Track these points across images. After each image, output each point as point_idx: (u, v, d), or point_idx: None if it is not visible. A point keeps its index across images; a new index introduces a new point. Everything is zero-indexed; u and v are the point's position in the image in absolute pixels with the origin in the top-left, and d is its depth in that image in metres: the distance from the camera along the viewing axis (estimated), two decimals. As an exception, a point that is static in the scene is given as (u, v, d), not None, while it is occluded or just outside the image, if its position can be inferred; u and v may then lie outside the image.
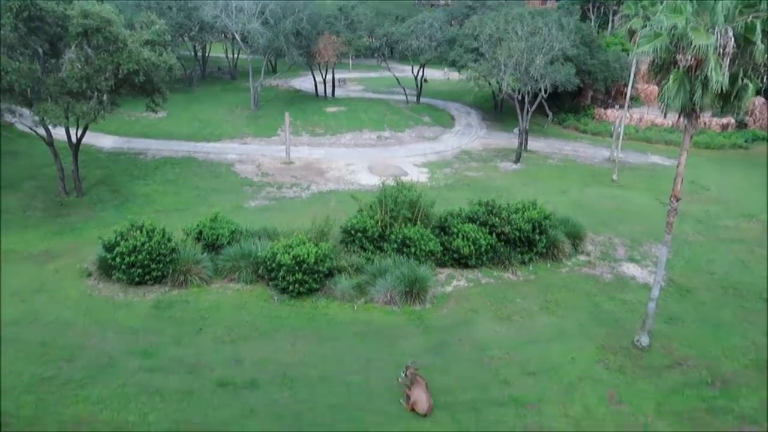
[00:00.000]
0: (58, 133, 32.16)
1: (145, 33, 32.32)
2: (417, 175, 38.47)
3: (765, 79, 24.10)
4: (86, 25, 27.93)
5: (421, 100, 61.40)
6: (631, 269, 26.49)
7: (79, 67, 28.70)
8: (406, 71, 64.33)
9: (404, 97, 61.11)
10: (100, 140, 42.63)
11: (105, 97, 30.69)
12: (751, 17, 20.39)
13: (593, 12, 79.26)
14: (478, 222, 25.46)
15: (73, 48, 28.62)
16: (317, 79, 62.23)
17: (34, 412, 16.09)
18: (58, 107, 28.79)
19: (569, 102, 55.78)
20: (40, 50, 29.32)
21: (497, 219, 25.29)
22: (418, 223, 25.01)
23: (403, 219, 24.72)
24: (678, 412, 17.28)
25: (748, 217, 33.66)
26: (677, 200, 20.44)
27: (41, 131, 31.10)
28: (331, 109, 56.43)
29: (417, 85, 61.36)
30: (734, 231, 31.67)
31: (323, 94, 62.09)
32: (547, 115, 51.97)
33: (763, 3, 21.06)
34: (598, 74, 50.58)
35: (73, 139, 32.50)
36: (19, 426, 15.52)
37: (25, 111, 30.58)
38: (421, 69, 60.62)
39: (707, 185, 38.65)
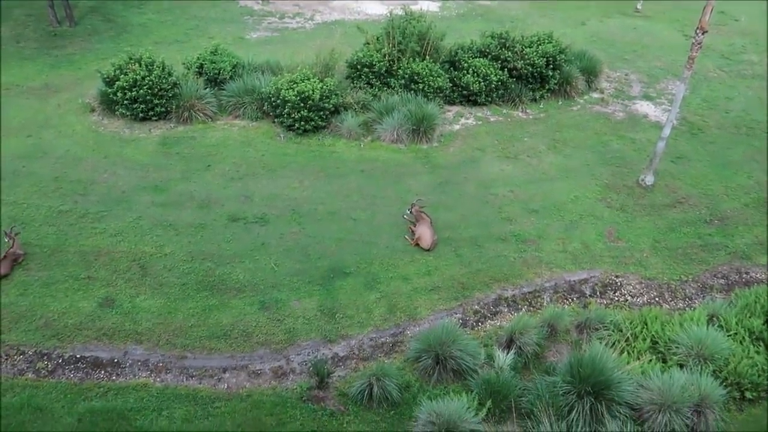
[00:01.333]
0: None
1: None
2: (427, 4, 35.98)
3: None
4: None
5: None
6: (644, 107, 25.79)
7: None
8: None
9: None
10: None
11: None
12: None
13: None
14: (489, 56, 24.31)
15: None
16: None
17: (55, 243, 16.85)
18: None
19: None
20: None
21: (510, 53, 24.09)
22: (428, 57, 23.92)
23: (412, 53, 23.61)
24: (673, 248, 17.90)
25: (777, 52, 31.94)
26: (703, 33, 19.17)
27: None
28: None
29: None
30: (758, 66, 30.24)
31: None
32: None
33: None
34: None
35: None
36: (43, 255, 16.36)
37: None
38: None
39: (737, 16, 36.16)
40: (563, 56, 24.98)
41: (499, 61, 24.24)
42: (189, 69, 23.78)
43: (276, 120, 22.30)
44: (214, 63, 23.47)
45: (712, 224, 18.95)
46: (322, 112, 21.84)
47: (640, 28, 34.20)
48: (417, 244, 17.13)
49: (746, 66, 30.14)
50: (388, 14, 24.79)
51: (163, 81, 22.03)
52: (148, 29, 31.64)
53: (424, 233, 17.01)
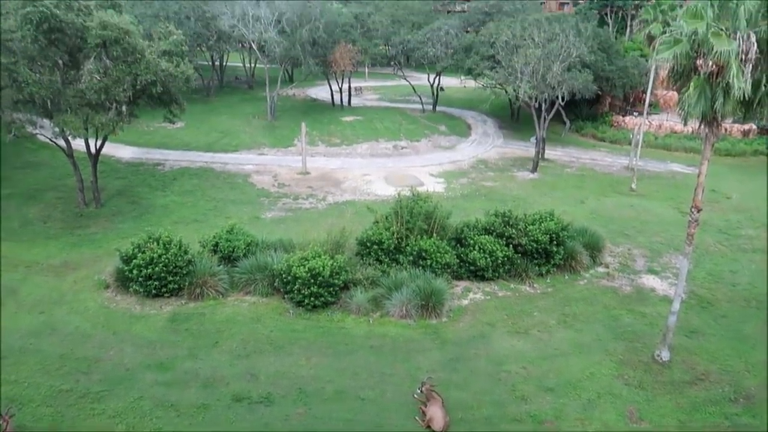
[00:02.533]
0: (78, 144, 32.58)
1: (162, 43, 32.67)
2: (433, 186, 38.30)
3: (788, 86, 23.57)
4: (105, 36, 28.24)
5: (438, 108, 61.30)
6: (650, 281, 26.03)
7: (98, 78, 29.05)
8: (422, 79, 64.29)
9: (420, 106, 61.06)
10: (119, 151, 43.12)
11: (124, 108, 31.04)
12: (774, 22, 19.94)
13: (611, 17, 78.73)
14: (494, 233, 25.21)
15: (92, 59, 28.96)
16: (333, 88, 62.47)
17: (51, 426, 16.18)
18: (78, 118, 29.16)
19: (587, 109, 55.25)
20: (60, 62, 29.71)
21: (514, 230, 25.02)
22: (434, 234, 24.84)
23: (419, 231, 24.58)
24: (701, 430, 16.87)
25: (771, 226, 32.94)
26: (698, 211, 20.04)
27: (61, 142, 31.51)
28: (347, 119, 56.55)
29: (433, 94, 61.26)
30: (757, 241, 31.00)
31: (339, 104, 62.27)
32: (565, 123, 51.54)
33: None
34: (616, 81, 50.05)
35: (93, 150, 32.90)
36: (37, 440, 15.61)
37: (46, 122, 31.02)
38: (438, 77, 60.54)
39: (729, 194, 37.94)
40: (566, 233, 25.86)
41: (504, 238, 25.07)
42: (204, 247, 24.69)
43: (286, 296, 22.57)
44: (229, 241, 24.41)
45: (737, 403, 18.05)
46: (331, 288, 22.16)
47: (637, 206, 35.76)
48: (429, 426, 16.28)
49: (745, 240, 30.92)
50: (397, 195, 26.28)
51: (179, 259, 22.76)
52: (170, 210, 33.44)
53: (436, 414, 16.25)
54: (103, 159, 36.04)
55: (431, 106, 61.14)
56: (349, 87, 63.88)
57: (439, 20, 65.12)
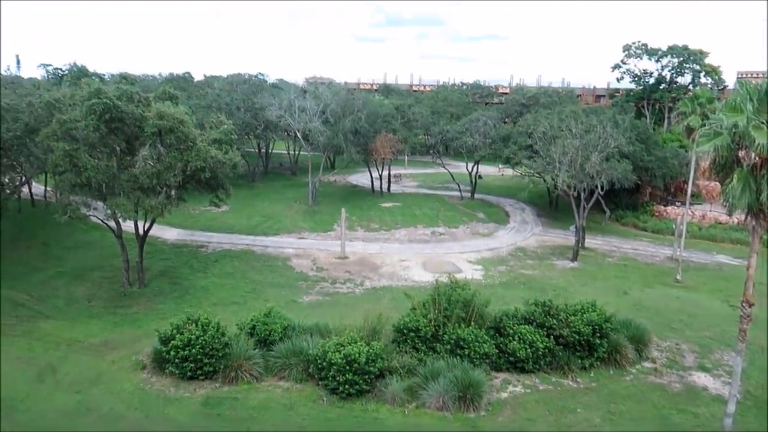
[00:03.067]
0: (127, 225, 33.88)
1: (213, 132, 34.52)
2: (471, 273, 38.00)
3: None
4: (161, 126, 30.05)
5: (476, 196, 61.89)
6: (702, 379, 24.63)
7: (151, 164, 30.65)
8: (460, 167, 65.43)
9: (459, 193, 61.78)
10: (165, 233, 44.57)
11: (173, 192, 32.45)
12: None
13: (648, 109, 79.64)
14: (534, 323, 24.57)
15: (147, 146, 30.68)
16: (373, 175, 64.06)
17: None
18: (129, 201, 30.55)
19: (627, 199, 54.86)
20: (117, 148, 31.56)
21: (555, 321, 24.35)
22: (472, 323, 24.34)
23: (457, 319, 24.16)
24: None
25: (831, 323, 31.14)
26: (750, 306, 19.25)
27: (112, 224, 32.86)
28: (386, 205, 57.48)
29: (471, 181, 62.09)
30: (817, 339, 29.25)
31: (379, 190, 63.59)
32: (605, 212, 51.14)
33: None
34: (655, 171, 49.97)
35: (140, 231, 34.13)
36: None
37: (99, 204, 32.53)
38: (476, 165, 61.57)
39: (782, 287, 36.35)
40: (609, 325, 25.00)
41: (545, 329, 24.37)
42: (241, 330, 24.75)
43: (321, 383, 22.16)
44: (266, 325, 24.43)
45: None
46: (367, 376, 21.70)
47: (683, 298, 34.52)
48: None
49: (803, 338, 29.21)
50: (434, 281, 26.11)
51: (216, 341, 22.81)
52: (210, 292, 33.93)
53: None
54: (150, 240, 37.23)
55: (469, 194, 61.80)
56: (389, 174, 65.42)
57: (477, 111, 67.11)
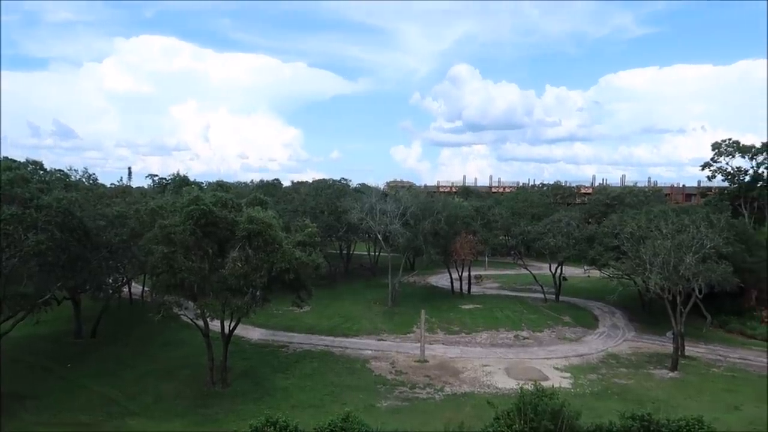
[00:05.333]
0: (214, 324, 34.95)
1: (298, 235, 35.85)
2: (559, 380, 35.78)
3: None
4: (250, 230, 31.64)
5: (561, 298, 59.56)
6: None
7: (240, 265, 31.98)
8: (543, 268, 63.71)
9: (542, 295, 59.73)
10: (248, 332, 45.53)
11: (258, 293, 33.47)
12: None
13: (745, 207, 75.57)
14: (633, 439, 22.38)
15: (236, 249, 32.19)
16: (453, 276, 63.47)
17: None
18: (217, 302, 31.72)
19: (730, 303, 50.80)
20: (210, 251, 33.28)
21: (656, 439, 22.09)
22: (563, 438, 22.55)
23: (545, 430, 22.48)
24: None
25: None
26: None
27: (200, 323, 34.03)
28: (466, 307, 56.32)
29: (555, 283, 60.06)
30: None
31: (459, 291, 62.67)
32: (705, 317, 47.41)
33: None
34: (760, 272, 46.39)
35: (226, 330, 35.05)
36: None
37: (190, 303, 33.97)
38: (559, 266, 59.76)
39: None
40: (720, 446, 22.38)
41: (645, 447, 22.11)
42: (319, 434, 24.12)
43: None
44: (344, 430, 23.72)
45: None
46: (448, 492, 20.29)
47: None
48: None
49: None
50: (519, 389, 24.71)
51: (293, 445, 22.29)
52: (289, 393, 33.76)
53: None
54: (234, 339, 38.07)
55: (554, 296, 59.58)
56: (469, 275, 64.63)
57: (558, 212, 66.11)
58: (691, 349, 42.48)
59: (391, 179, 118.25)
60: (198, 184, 66.05)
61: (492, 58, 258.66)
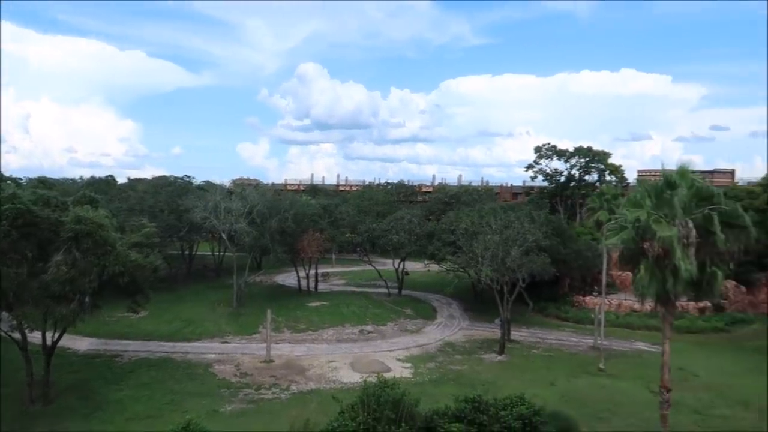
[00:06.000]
0: (34, 336, 31.44)
1: (134, 236, 33.53)
2: (400, 371, 37.49)
3: (731, 266, 25.10)
4: (78, 230, 28.90)
5: (403, 292, 62.27)
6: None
7: (65, 269, 29.06)
8: (387, 264, 66.10)
9: (386, 290, 61.97)
10: (76, 343, 41.59)
11: (87, 299, 30.69)
12: (707, 209, 21.90)
13: (561, 205, 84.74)
14: (465, 420, 24.18)
15: (61, 252, 29.24)
16: (300, 275, 63.45)
17: None
18: (38, 311, 28.58)
19: (548, 290, 56.79)
20: (29, 254, 29.84)
21: (485, 416, 24.08)
22: (403, 424, 23.66)
23: (387, 420, 23.43)
24: None
25: (742, 404, 32.59)
26: (668, 391, 19.98)
27: (17, 335, 30.42)
28: (313, 304, 56.61)
29: (398, 278, 62.64)
30: (733, 421, 30.38)
31: (306, 289, 62.82)
32: (527, 304, 52.53)
33: (717, 197, 22.80)
34: (572, 263, 52.41)
35: (49, 342, 31.71)
36: None
37: (4, 314, 30.22)
38: (402, 262, 62.43)
39: (696, 371, 37.97)
40: (539, 418, 24.93)
41: (476, 425, 23.98)
42: (157, 446, 22.88)
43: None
44: (185, 439, 22.71)
45: None
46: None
47: (608, 387, 35.29)
48: None
49: (720, 421, 30.28)
50: (363, 382, 25.49)
51: (128, 460, 20.93)
52: (123, 405, 31.45)
53: None
54: (58, 351, 34.57)
55: (397, 290, 62.11)
56: (316, 273, 65.05)
57: (401, 210, 69.03)
58: (516, 334, 46.80)
59: (238, 177, 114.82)
60: (15, 180, 58.76)
61: (340, 58, 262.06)
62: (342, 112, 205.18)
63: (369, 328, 49.39)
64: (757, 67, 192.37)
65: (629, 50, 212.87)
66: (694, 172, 24.11)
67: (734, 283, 53.72)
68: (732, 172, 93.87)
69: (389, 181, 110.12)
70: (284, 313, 52.26)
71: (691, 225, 21.44)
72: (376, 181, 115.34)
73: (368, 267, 68.11)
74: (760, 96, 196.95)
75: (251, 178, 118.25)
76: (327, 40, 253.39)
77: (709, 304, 52.49)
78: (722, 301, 52.83)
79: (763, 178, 57.53)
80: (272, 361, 39.77)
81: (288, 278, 68.97)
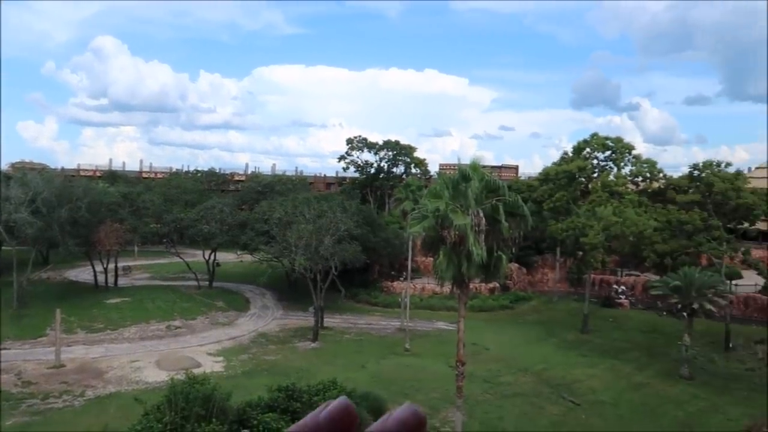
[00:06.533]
0: None
1: None
2: (211, 365, 36.20)
3: (513, 250, 28.55)
4: None
5: (214, 284, 59.97)
6: (434, 438, 26.93)
7: None
8: (197, 255, 63.08)
9: (196, 283, 59.16)
10: None
11: None
12: (494, 200, 24.55)
13: (371, 195, 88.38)
14: (279, 409, 24.21)
15: None
16: (97, 269, 57.70)
17: None
18: None
19: (359, 277, 58.99)
20: None
21: (299, 404, 24.35)
22: (214, 419, 22.93)
23: (197, 417, 22.50)
24: None
25: (523, 370, 37.24)
26: (462, 365, 22.01)
27: None
28: (113, 301, 51.93)
29: (209, 270, 60.18)
30: (516, 386, 34.60)
31: (104, 285, 57.36)
32: (340, 291, 54.06)
33: (502, 189, 25.61)
34: (381, 250, 55.05)
35: None
36: None
37: None
38: (213, 253, 60.08)
39: (487, 345, 42.41)
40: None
41: (290, 413, 24.13)
42: None
43: None
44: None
45: None
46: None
47: (413, 365, 37.84)
48: None
49: (505, 387, 34.31)
50: (170, 381, 24.13)
51: None
52: None
53: None
54: None
55: (208, 282, 59.66)
56: (116, 267, 59.71)
57: (213, 199, 66.25)
58: (329, 320, 47.90)
59: (18, 160, 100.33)
60: None
61: (143, 34, 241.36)
62: (145, 92, 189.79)
63: (177, 323, 46.78)
64: (536, 76, 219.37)
65: (433, 52, 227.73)
66: (484, 166, 26.89)
67: (517, 265, 60.85)
68: (516, 168, 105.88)
69: (199, 168, 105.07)
70: (78, 312, 47.17)
71: (481, 214, 23.84)
72: (185, 169, 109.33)
73: (176, 259, 64.25)
74: (538, 103, 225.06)
75: (35, 162, 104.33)
76: (127, 13, 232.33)
77: (497, 284, 58.93)
78: (507, 281, 59.62)
79: (540, 174, 65.86)
80: (63, 365, 35.69)
81: (82, 273, 62.26)
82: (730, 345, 42.90)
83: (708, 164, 49.82)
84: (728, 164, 49.77)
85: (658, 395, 33.76)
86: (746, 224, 50.04)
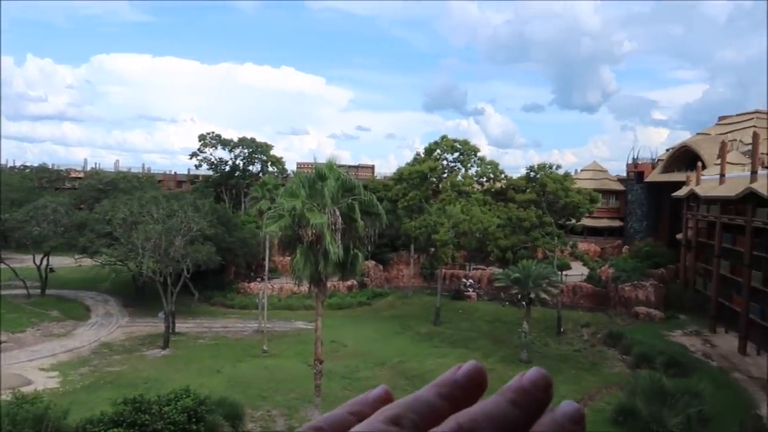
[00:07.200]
0: None
1: None
2: (44, 382, 32.74)
3: (369, 248, 29.34)
4: None
5: (48, 292, 54.22)
6: (292, 439, 26.77)
7: None
8: (26, 261, 56.65)
9: (25, 291, 53.07)
10: None
11: None
12: (350, 199, 25.03)
13: (226, 194, 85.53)
14: (125, 424, 22.61)
15: None
16: None
17: None
18: None
19: (214, 279, 56.78)
20: None
21: (147, 416, 22.93)
22: None
23: None
24: None
25: (380, 364, 38.31)
26: (321, 363, 22.15)
27: None
28: None
29: (41, 276, 54.32)
30: (373, 380, 35.42)
31: None
32: (193, 294, 51.65)
33: (358, 188, 26.15)
34: (237, 251, 53.50)
35: None
36: None
37: None
38: (46, 257, 54.33)
39: (345, 342, 43.01)
40: (204, 407, 24.94)
41: (137, 427, 22.65)
42: None
43: None
44: None
45: None
46: None
47: (270, 367, 37.26)
48: None
49: (364, 382, 34.97)
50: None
51: None
52: None
53: None
54: None
55: (39, 291, 53.79)
56: None
57: (45, 198, 59.82)
58: (181, 325, 45.57)
59: None
60: None
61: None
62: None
63: (2, 337, 41.63)
64: (392, 79, 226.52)
65: (289, 50, 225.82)
66: (341, 166, 27.29)
67: (374, 262, 62.34)
68: (372, 168, 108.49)
69: (28, 163, 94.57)
70: None
71: (338, 213, 24.20)
72: (11, 164, 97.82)
73: (1, 266, 57.17)
74: (394, 104, 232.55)
75: None
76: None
77: (354, 282, 59.98)
78: (364, 278, 60.91)
79: (395, 174, 68.09)
80: None
81: None
82: (561, 329, 47.65)
83: (542, 166, 55.11)
84: (558, 166, 55.58)
85: (500, 379, 35.70)
86: (573, 220, 55.82)
